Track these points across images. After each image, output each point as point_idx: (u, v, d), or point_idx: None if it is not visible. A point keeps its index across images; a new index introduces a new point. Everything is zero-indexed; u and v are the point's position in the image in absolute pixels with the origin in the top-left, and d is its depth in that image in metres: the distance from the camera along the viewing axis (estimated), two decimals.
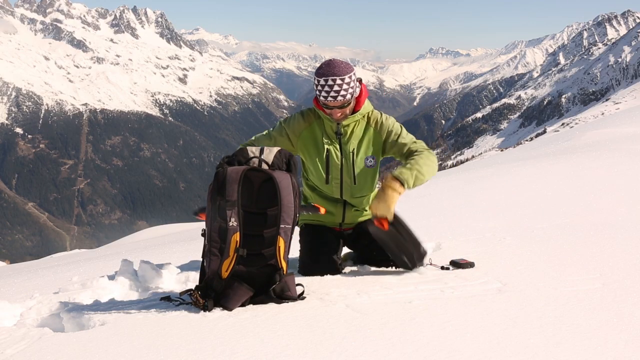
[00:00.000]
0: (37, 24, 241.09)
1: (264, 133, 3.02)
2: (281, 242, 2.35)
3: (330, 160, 2.92)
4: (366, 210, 3.03)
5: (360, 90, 2.89)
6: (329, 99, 2.74)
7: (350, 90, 2.76)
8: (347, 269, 3.02)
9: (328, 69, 2.73)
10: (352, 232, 3.03)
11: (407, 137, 2.93)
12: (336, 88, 2.72)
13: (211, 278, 2.34)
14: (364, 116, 2.94)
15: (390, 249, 2.81)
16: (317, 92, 2.78)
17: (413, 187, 2.69)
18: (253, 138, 3.04)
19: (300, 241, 3.01)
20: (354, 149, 2.90)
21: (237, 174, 2.31)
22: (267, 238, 2.34)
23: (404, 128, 2.96)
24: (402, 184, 2.64)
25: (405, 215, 2.84)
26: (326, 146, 2.91)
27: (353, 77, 2.77)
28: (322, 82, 2.73)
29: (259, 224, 2.32)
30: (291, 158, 2.45)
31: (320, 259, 2.89)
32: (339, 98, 2.74)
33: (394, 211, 2.67)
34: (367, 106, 2.94)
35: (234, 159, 2.43)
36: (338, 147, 2.92)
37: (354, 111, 2.89)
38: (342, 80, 2.72)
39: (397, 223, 2.78)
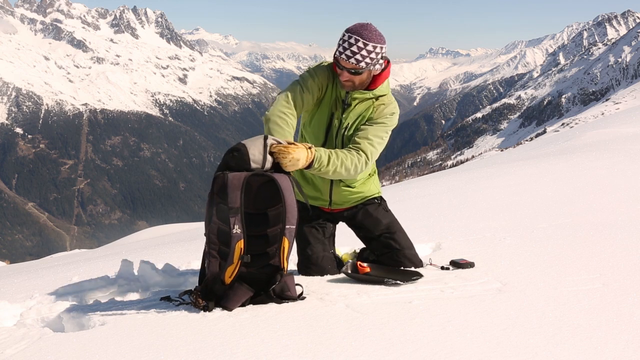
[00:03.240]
0: (37, 24, 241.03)
1: (289, 95, 2.67)
2: (285, 243, 2.33)
3: (332, 127, 2.77)
4: (353, 188, 2.88)
5: (382, 72, 2.72)
6: (343, 56, 2.59)
7: (368, 61, 2.58)
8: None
9: (357, 28, 2.58)
10: (348, 215, 2.95)
11: (373, 132, 2.67)
12: (354, 49, 2.55)
13: (212, 281, 2.34)
14: (376, 97, 2.76)
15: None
16: (337, 46, 2.63)
17: (314, 171, 2.51)
18: (281, 107, 2.64)
19: (296, 240, 2.93)
20: (348, 124, 2.75)
21: (239, 180, 2.26)
22: (271, 237, 2.32)
23: (388, 129, 2.75)
24: (312, 163, 2.46)
25: (405, 215, 2.84)
26: (332, 110, 2.77)
27: (378, 50, 2.59)
28: (345, 37, 2.58)
29: (262, 224, 2.32)
30: None
31: (318, 259, 2.88)
32: (352, 60, 2.57)
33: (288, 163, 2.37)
34: (383, 88, 2.75)
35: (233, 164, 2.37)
36: (339, 116, 2.76)
37: (368, 88, 2.72)
38: (365, 45, 2.55)
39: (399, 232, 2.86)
